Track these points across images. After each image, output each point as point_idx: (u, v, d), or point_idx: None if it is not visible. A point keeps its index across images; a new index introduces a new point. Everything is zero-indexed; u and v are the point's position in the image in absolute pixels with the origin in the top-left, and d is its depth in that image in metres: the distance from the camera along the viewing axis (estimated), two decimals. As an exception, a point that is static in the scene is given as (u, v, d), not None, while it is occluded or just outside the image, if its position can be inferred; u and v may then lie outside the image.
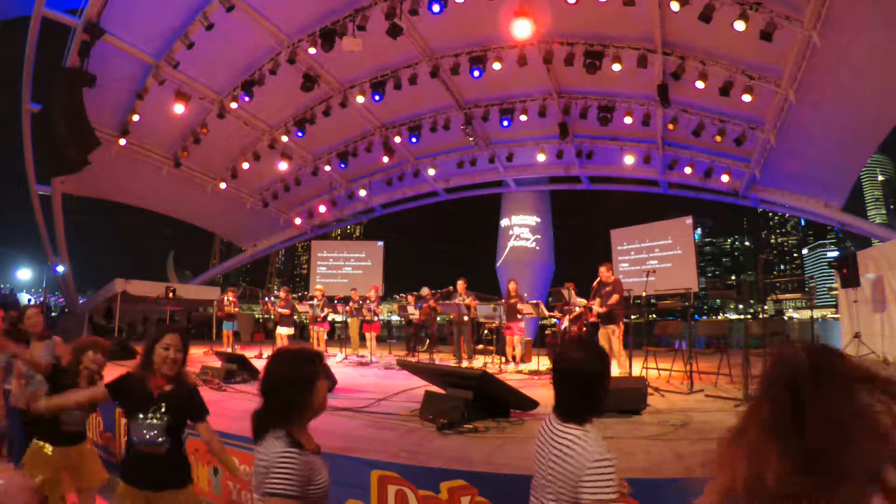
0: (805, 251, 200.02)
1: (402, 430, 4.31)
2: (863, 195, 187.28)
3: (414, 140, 13.45)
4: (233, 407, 5.17)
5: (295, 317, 11.68)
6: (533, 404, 4.86)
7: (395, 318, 22.65)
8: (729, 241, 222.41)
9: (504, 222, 17.13)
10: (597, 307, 7.32)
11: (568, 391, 1.68)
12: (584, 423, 1.62)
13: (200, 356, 10.10)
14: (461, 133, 13.20)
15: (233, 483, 3.78)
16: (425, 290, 10.03)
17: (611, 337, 7.10)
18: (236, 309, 11.55)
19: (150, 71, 10.59)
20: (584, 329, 8.35)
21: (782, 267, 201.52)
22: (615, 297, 7.06)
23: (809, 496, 0.93)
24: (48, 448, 2.99)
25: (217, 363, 7.43)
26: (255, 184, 15.29)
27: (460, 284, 9.48)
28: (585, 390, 1.65)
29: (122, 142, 11.79)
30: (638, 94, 11.24)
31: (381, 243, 16.45)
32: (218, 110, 11.83)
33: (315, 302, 10.60)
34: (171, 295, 12.06)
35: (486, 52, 10.69)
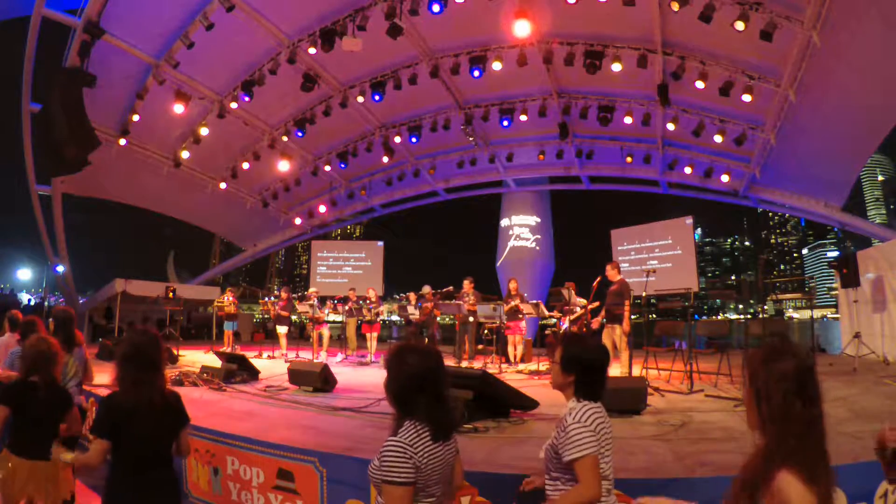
0: (805, 251, 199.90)
1: (402, 430, 4.29)
2: (863, 195, 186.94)
3: (414, 140, 13.44)
4: (233, 407, 5.18)
5: (294, 317, 11.66)
6: (533, 404, 4.86)
7: (395, 317, 22.65)
8: (729, 241, 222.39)
9: (504, 222, 17.12)
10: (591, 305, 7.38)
11: None
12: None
13: (201, 356, 10.11)
14: (461, 133, 13.19)
15: (233, 483, 3.77)
16: (426, 289, 9.99)
17: (613, 336, 7.07)
18: (235, 308, 11.56)
19: (150, 71, 10.58)
20: (585, 329, 8.33)
21: (782, 267, 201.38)
22: (627, 304, 6.96)
23: None
24: (15, 460, 2.68)
25: (217, 363, 7.42)
26: (255, 184, 15.28)
27: (466, 284, 9.44)
28: None
29: (122, 142, 11.78)
30: (638, 94, 11.24)
31: (381, 243, 16.46)
32: (218, 110, 11.82)
33: (314, 302, 10.60)
34: (171, 295, 12.02)
35: (486, 52, 10.68)
